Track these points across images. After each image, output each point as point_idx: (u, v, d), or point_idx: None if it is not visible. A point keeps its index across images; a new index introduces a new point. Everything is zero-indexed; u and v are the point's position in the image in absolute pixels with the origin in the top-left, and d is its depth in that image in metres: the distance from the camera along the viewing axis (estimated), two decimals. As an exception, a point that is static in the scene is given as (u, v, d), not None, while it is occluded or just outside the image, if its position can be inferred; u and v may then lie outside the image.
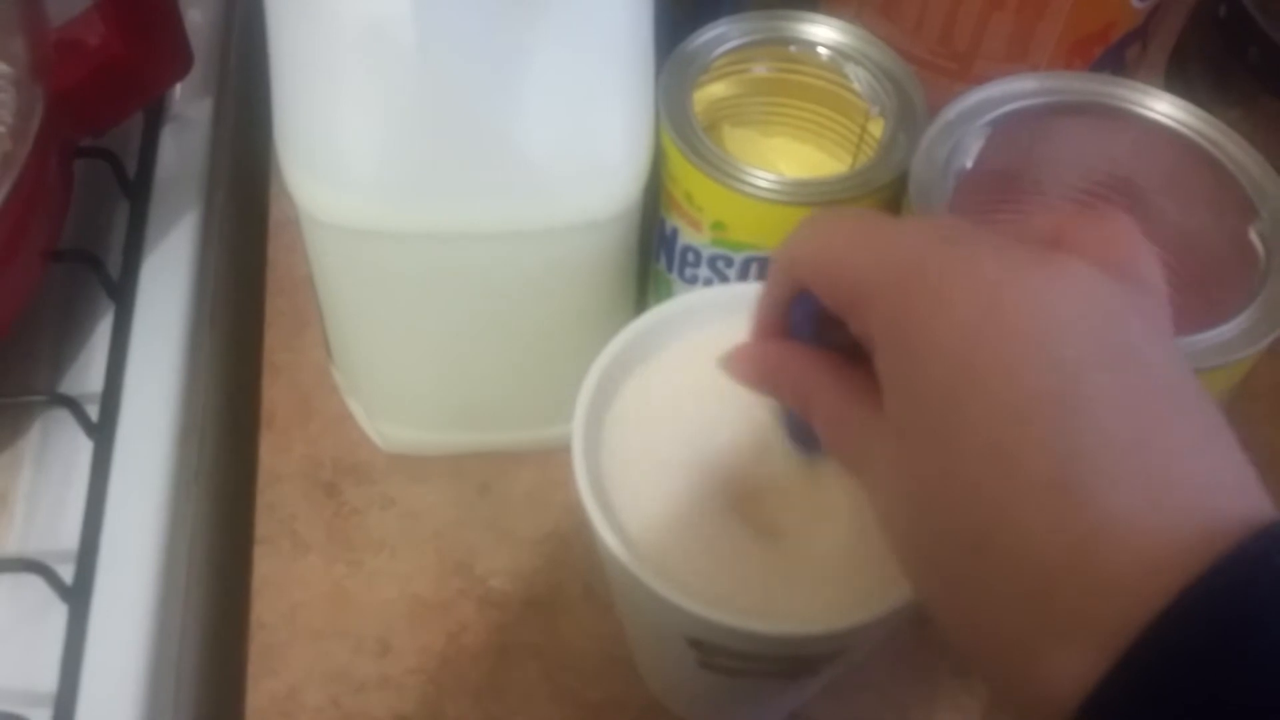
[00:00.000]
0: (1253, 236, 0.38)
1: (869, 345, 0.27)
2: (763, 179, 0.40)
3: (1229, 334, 0.36)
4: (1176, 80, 0.57)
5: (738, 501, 0.34)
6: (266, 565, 0.46)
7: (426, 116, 0.37)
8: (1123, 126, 0.42)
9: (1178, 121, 0.41)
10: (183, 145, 0.55)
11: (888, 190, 0.40)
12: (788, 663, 0.34)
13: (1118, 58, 0.52)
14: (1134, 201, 0.43)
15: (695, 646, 0.33)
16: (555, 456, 0.48)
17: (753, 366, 0.33)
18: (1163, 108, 0.41)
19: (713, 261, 0.42)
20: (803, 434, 0.33)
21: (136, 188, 0.52)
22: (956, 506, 0.24)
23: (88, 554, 0.42)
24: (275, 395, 0.51)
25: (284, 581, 0.46)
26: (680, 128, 0.41)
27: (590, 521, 0.33)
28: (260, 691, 0.43)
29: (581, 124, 0.38)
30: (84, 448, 0.45)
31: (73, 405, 0.45)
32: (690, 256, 0.43)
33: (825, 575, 0.32)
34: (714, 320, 0.36)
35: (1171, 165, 0.41)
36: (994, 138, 0.41)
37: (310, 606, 0.45)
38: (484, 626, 0.44)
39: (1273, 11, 0.52)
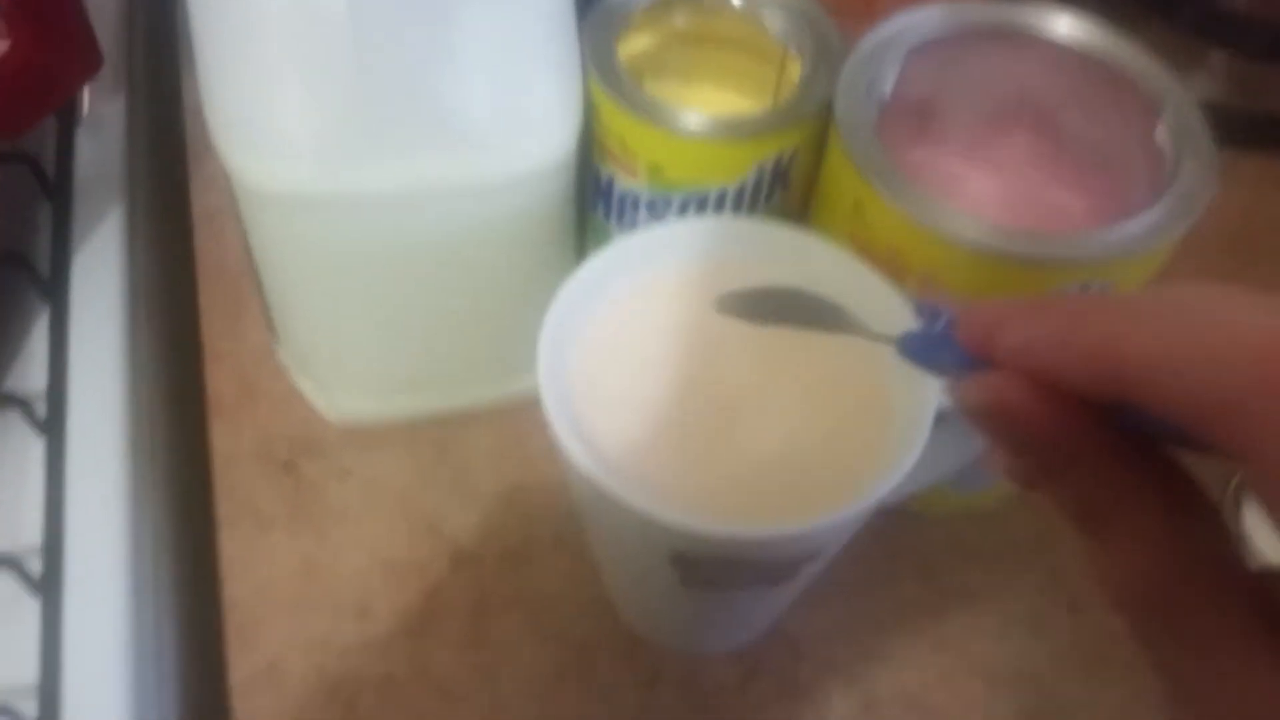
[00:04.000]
0: (1158, 136, 0.40)
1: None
2: (695, 118, 0.41)
3: (1144, 225, 0.38)
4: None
5: (704, 418, 0.35)
6: (232, 546, 0.46)
7: (359, 81, 0.37)
8: (1026, 48, 0.44)
9: (1077, 40, 0.43)
10: (99, 143, 0.54)
11: (813, 123, 0.42)
12: (768, 567, 0.36)
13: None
14: (1042, 119, 0.45)
15: (677, 563, 0.35)
16: (510, 414, 0.49)
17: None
18: (1062, 27, 0.43)
19: (651, 205, 0.44)
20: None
21: (57, 189, 0.52)
22: None
23: (53, 546, 0.42)
24: (220, 382, 0.51)
25: (251, 560, 0.46)
26: (608, 77, 0.42)
27: (565, 452, 0.33)
28: (242, 666, 0.43)
29: (513, 80, 0.39)
30: (35, 444, 0.45)
31: (20, 404, 0.44)
32: (628, 203, 0.44)
33: (797, 475, 0.34)
34: (660, 257, 0.38)
35: (1076, 81, 0.43)
36: (908, 68, 0.42)
37: (281, 581, 0.45)
38: (460, 583, 0.45)
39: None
